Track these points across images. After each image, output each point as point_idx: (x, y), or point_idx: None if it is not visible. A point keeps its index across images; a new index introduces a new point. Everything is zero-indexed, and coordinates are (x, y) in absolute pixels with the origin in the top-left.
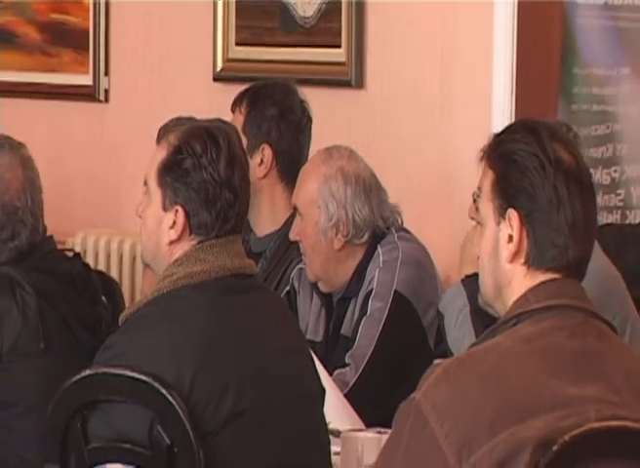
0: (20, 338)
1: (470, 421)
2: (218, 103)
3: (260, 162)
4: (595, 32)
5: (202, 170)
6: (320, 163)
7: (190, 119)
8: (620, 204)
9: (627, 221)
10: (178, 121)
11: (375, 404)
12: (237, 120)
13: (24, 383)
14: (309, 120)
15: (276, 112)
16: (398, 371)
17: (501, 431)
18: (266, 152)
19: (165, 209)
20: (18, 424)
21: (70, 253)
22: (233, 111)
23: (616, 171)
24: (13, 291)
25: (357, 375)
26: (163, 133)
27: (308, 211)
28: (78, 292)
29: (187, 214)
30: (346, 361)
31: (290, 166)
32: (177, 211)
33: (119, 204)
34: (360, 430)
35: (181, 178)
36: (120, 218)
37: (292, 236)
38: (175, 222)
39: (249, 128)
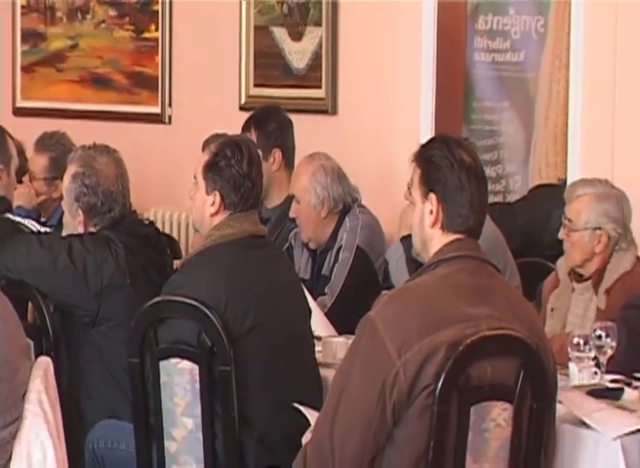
0: (114, 277)
1: (405, 330)
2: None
3: (273, 160)
4: (486, 79)
5: (231, 168)
6: (307, 163)
7: (224, 134)
8: (502, 190)
9: (507, 201)
10: (216, 136)
11: (344, 319)
12: (252, 135)
13: (117, 306)
14: (292, 124)
15: (276, 125)
16: (359, 298)
17: (425, 337)
18: (277, 154)
19: (208, 193)
20: (113, 333)
21: (147, 221)
22: (246, 131)
23: (499, 168)
24: (109, 246)
25: (332, 301)
26: (206, 144)
27: (303, 195)
28: (152, 247)
29: (222, 197)
30: (325, 291)
31: (292, 156)
32: (215, 194)
33: (178, 189)
34: (335, 336)
35: (218, 173)
36: (179, 199)
37: (291, 214)
38: (214, 202)
39: (261, 141)
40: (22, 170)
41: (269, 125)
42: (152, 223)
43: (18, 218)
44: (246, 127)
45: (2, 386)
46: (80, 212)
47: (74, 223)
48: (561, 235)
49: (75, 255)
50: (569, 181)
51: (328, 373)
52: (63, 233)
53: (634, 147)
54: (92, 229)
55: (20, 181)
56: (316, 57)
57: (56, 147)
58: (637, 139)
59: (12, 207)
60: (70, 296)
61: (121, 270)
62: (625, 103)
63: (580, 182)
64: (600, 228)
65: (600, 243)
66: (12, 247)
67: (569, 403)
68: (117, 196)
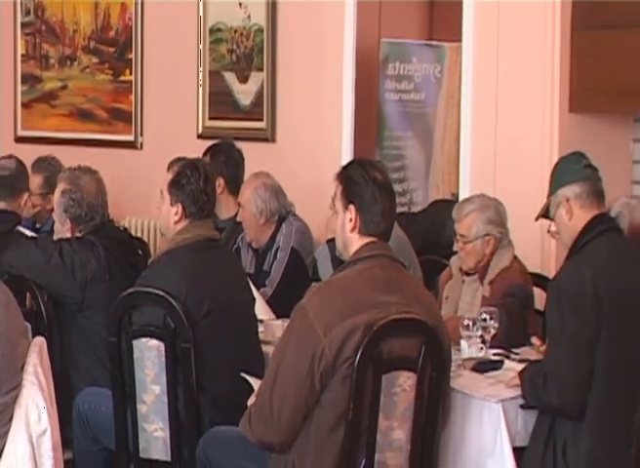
0: (96, 272)
1: (330, 314)
2: (200, 150)
3: (218, 185)
4: (394, 113)
5: (191, 185)
6: (252, 180)
7: (184, 158)
8: (407, 202)
9: (411, 211)
10: (178, 159)
11: (281, 306)
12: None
13: (99, 296)
14: (243, 159)
15: (224, 159)
16: (293, 289)
17: (346, 319)
18: (220, 182)
19: (172, 204)
20: (95, 318)
21: (122, 228)
22: (204, 156)
23: (405, 185)
24: (92, 248)
25: (272, 291)
26: (170, 165)
27: (247, 204)
28: (126, 249)
29: (183, 208)
30: (266, 283)
31: (234, 185)
32: (178, 206)
33: (148, 202)
34: (274, 319)
35: (180, 189)
36: (149, 209)
37: (239, 218)
38: (177, 212)
39: (212, 168)
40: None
41: (219, 158)
42: (126, 229)
43: (24, 230)
44: (204, 154)
45: (4, 360)
46: (68, 220)
47: (63, 230)
48: (456, 248)
49: (65, 255)
50: (460, 195)
51: (268, 349)
52: (54, 238)
53: (511, 167)
54: (77, 234)
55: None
56: (259, 95)
57: (48, 168)
58: (513, 161)
59: (21, 220)
60: (61, 288)
61: (102, 267)
62: (504, 134)
63: (463, 203)
64: (488, 234)
65: (489, 245)
66: (14, 249)
67: (462, 387)
68: (98, 207)
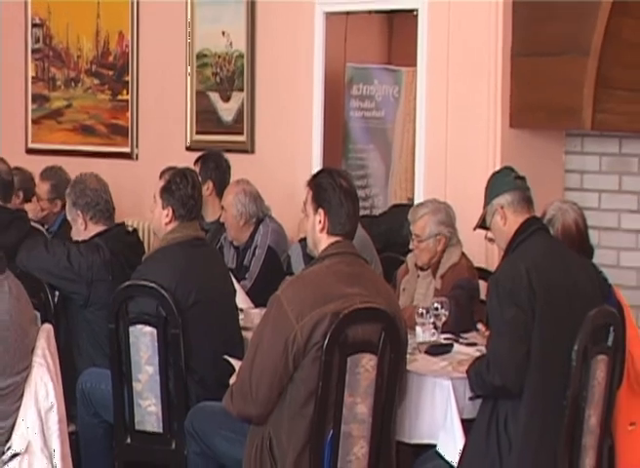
0: (100, 273)
1: (302, 303)
2: (189, 161)
3: (207, 188)
4: (358, 128)
5: (179, 190)
6: (234, 185)
7: (174, 167)
8: (369, 206)
9: (373, 214)
10: (169, 168)
11: (259, 296)
12: (197, 169)
13: (102, 294)
14: (229, 167)
15: (214, 165)
16: (269, 282)
17: (316, 308)
18: (209, 184)
19: (163, 208)
20: (99, 312)
21: (131, 229)
22: (195, 164)
23: (367, 191)
24: (98, 251)
25: (251, 284)
26: (162, 173)
27: (228, 207)
28: (133, 251)
29: (174, 211)
30: (246, 277)
31: (221, 189)
32: (169, 209)
33: (142, 205)
34: (252, 308)
35: (171, 194)
36: (143, 212)
37: (222, 220)
38: (168, 214)
39: (202, 174)
40: (32, 192)
41: (210, 164)
42: (135, 230)
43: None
44: (196, 162)
45: (16, 344)
46: (79, 213)
47: (78, 225)
48: (412, 246)
49: (72, 259)
50: (415, 199)
51: (247, 334)
52: (73, 240)
53: (459, 175)
54: (92, 225)
55: (29, 200)
56: (239, 113)
57: (55, 176)
58: (461, 170)
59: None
60: (68, 288)
61: (105, 269)
62: (453, 146)
63: (417, 207)
64: (439, 234)
65: (440, 243)
66: (27, 251)
67: (417, 368)
68: (101, 192)
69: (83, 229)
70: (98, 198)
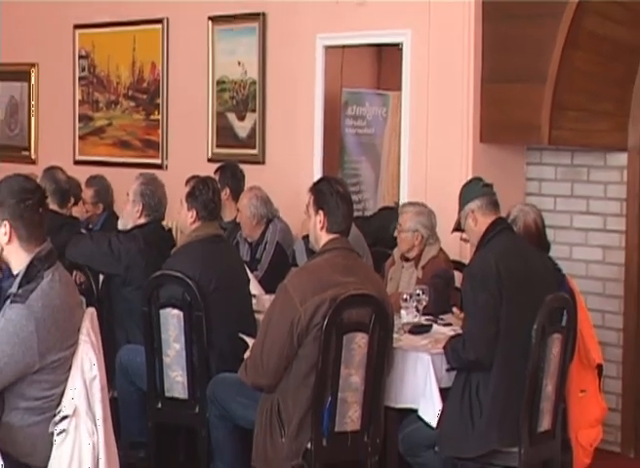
0: (136, 259)
1: (304, 290)
2: (210, 170)
3: (225, 194)
4: (352, 143)
5: (202, 195)
6: (248, 191)
7: (198, 176)
8: (361, 208)
9: (365, 215)
10: (193, 177)
11: (269, 285)
12: (217, 177)
13: (137, 277)
14: (243, 176)
15: (230, 174)
16: (277, 272)
17: (316, 295)
18: (227, 190)
19: (188, 210)
20: (135, 293)
21: (167, 228)
22: (215, 173)
23: (360, 195)
24: (135, 241)
25: (262, 274)
26: (187, 181)
27: (243, 209)
28: (164, 243)
29: (197, 212)
30: (258, 268)
31: (236, 194)
32: (193, 211)
33: (172, 208)
34: (264, 294)
35: (195, 199)
36: (172, 213)
37: (237, 220)
38: (192, 215)
39: (220, 181)
40: (79, 197)
41: (227, 173)
42: (170, 230)
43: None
44: (216, 171)
45: (65, 324)
46: (141, 204)
47: (133, 212)
48: (396, 234)
49: (113, 246)
50: (400, 203)
51: (259, 317)
52: (121, 221)
53: (438, 183)
54: (142, 219)
55: (77, 204)
56: (252, 130)
57: (97, 184)
58: (440, 178)
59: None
60: (109, 270)
61: (140, 255)
62: (433, 158)
63: (407, 204)
64: (417, 230)
65: (417, 239)
66: (74, 245)
67: (402, 345)
68: (162, 204)
69: (137, 215)
70: (158, 206)
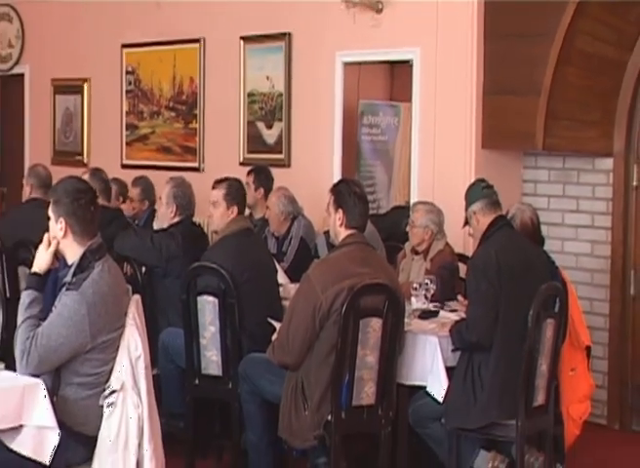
0: (175, 253)
1: (325, 280)
2: (241, 174)
3: (259, 193)
4: (368, 149)
5: (238, 193)
6: (276, 191)
7: (228, 178)
8: (376, 207)
9: (379, 213)
10: (222, 179)
11: (294, 275)
12: (248, 179)
13: (176, 268)
14: (272, 178)
15: (263, 176)
16: (301, 264)
17: (336, 284)
18: (260, 190)
19: (228, 208)
20: (174, 282)
21: (198, 224)
22: (249, 175)
23: (375, 195)
24: (173, 237)
25: (288, 265)
26: (216, 183)
27: (272, 207)
28: (198, 238)
29: (238, 208)
30: (284, 260)
31: (267, 191)
32: (233, 208)
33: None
34: (289, 283)
35: (232, 197)
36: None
37: (266, 216)
38: (232, 212)
39: (255, 183)
40: (126, 196)
41: (261, 175)
42: (200, 225)
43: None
44: (249, 173)
45: (113, 308)
46: (174, 206)
47: (167, 212)
48: (407, 229)
49: (155, 241)
50: (411, 202)
51: (285, 303)
52: (157, 222)
53: (444, 185)
54: (176, 219)
55: (124, 201)
56: (279, 137)
57: (142, 183)
58: (446, 181)
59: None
60: (152, 262)
61: (179, 249)
62: (439, 162)
63: (418, 203)
64: (427, 226)
65: (427, 234)
66: (121, 239)
67: (412, 328)
68: (192, 204)
69: (171, 215)
70: (190, 205)
